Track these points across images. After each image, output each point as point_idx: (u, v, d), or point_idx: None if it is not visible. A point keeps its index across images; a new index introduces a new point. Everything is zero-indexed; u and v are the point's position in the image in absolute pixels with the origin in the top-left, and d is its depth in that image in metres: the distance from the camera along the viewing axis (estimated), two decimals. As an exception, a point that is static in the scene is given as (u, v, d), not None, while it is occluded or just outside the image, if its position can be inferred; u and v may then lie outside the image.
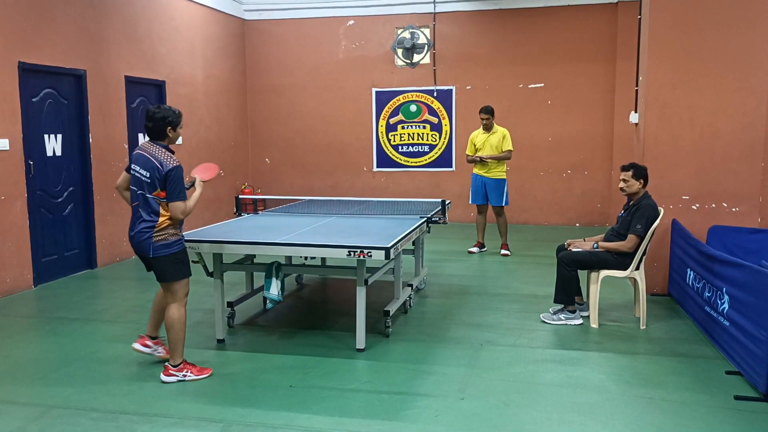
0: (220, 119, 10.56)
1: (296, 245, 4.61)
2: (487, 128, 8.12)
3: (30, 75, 6.70)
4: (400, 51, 10.75)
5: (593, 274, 5.29)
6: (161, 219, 4.05)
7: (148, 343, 4.49)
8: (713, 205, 5.93)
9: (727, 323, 4.42)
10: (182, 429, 3.54)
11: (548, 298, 5.87)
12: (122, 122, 8.09)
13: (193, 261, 4.80)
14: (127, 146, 8.15)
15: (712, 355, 4.59)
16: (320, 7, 11.06)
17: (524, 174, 10.59)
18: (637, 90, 6.64)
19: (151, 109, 4.13)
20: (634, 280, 5.33)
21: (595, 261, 5.26)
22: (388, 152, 11.20)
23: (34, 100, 6.79)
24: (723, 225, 5.82)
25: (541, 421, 3.59)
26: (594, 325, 5.27)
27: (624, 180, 5.25)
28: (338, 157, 11.37)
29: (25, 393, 4.05)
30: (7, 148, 6.38)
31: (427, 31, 10.74)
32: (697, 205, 5.95)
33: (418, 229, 5.44)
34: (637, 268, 5.21)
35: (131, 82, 8.28)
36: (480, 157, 8.07)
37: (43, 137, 6.93)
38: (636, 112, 6.58)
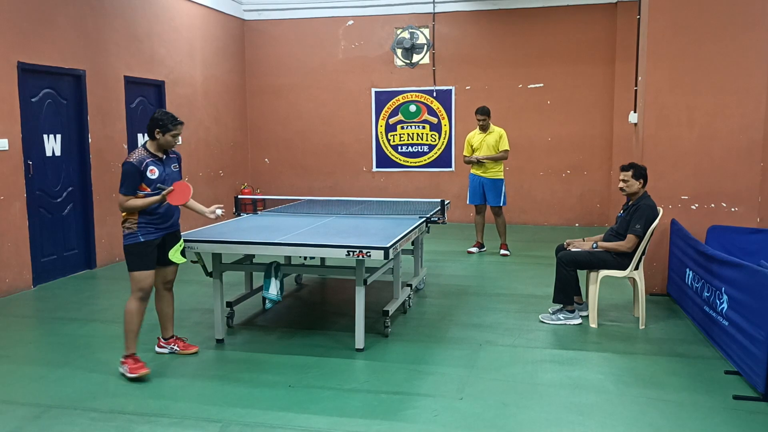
0: (219, 119, 10.56)
1: (295, 245, 4.61)
2: (484, 129, 8.14)
3: (29, 75, 6.70)
4: (399, 51, 10.75)
5: (592, 274, 5.30)
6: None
7: (162, 343, 4.65)
8: (712, 206, 5.93)
9: (725, 323, 4.42)
10: (181, 429, 3.54)
11: (547, 299, 5.87)
12: (121, 123, 8.09)
13: (192, 261, 4.82)
14: (126, 146, 8.15)
15: (711, 355, 4.59)
16: (319, 7, 11.06)
17: (523, 174, 10.60)
18: (636, 90, 6.65)
19: (156, 110, 4.40)
20: (633, 280, 5.33)
21: (594, 261, 5.26)
22: (387, 152, 11.20)
23: (33, 100, 6.79)
24: (722, 225, 5.82)
25: (540, 421, 3.60)
26: (593, 325, 5.27)
27: (624, 180, 5.25)
28: (337, 157, 11.37)
29: (23, 393, 4.05)
30: (6, 148, 6.38)
31: (426, 32, 10.74)
32: (696, 206, 5.96)
33: (417, 229, 5.44)
34: (636, 268, 5.22)
35: (130, 83, 8.28)
36: (477, 158, 8.08)
37: (43, 137, 6.93)
38: (635, 112, 6.59)
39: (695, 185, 5.95)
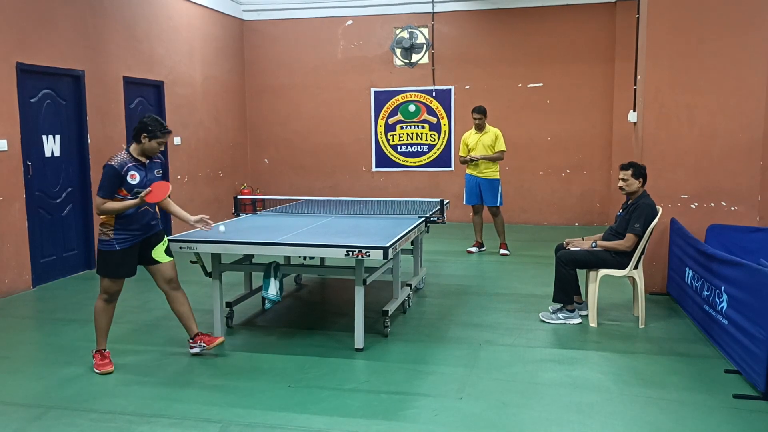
0: (218, 120, 10.56)
1: (295, 245, 4.61)
2: (480, 128, 8.11)
3: (28, 76, 6.70)
4: (398, 51, 10.74)
5: (592, 274, 5.30)
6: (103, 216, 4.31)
7: (191, 344, 4.65)
8: (712, 204, 5.93)
9: (725, 322, 4.42)
10: (181, 429, 3.54)
11: (547, 298, 5.86)
12: (121, 123, 8.09)
13: (191, 261, 4.81)
14: (125, 147, 8.13)
15: (711, 354, 4.59)
16: (318, 7, 11.06)
17: (523, 174, 10.60)
18: (635, 89, 6.64)
19: (146, 115, 4.39)
20: (633, 280, 5.33)
21: (593, 260, 5.26)
22: (386, 152, 11.20)
23: (32, 100, 6.78)
24: (721, 224, 5.82)
25: (540, 421, 3.59)
26: (593, 324, 5.27)
27: (623, 179, 5.25)
28: (337, 157, 11.37)
29: (23, 394, 4.05)
30: (6, 149, 6.38)
31: (425, 31, 10.74)
32: (696, 204, 5.96)
33: (416, 229, 5.44)
34: (636, 267, 5.21)
35: (130, 83, 8.28)
36: (473, 158, 8.04)
37: (42, 138, 6.92)
38: (634, 111, 6.58)
39: (695, 184, 5.94)
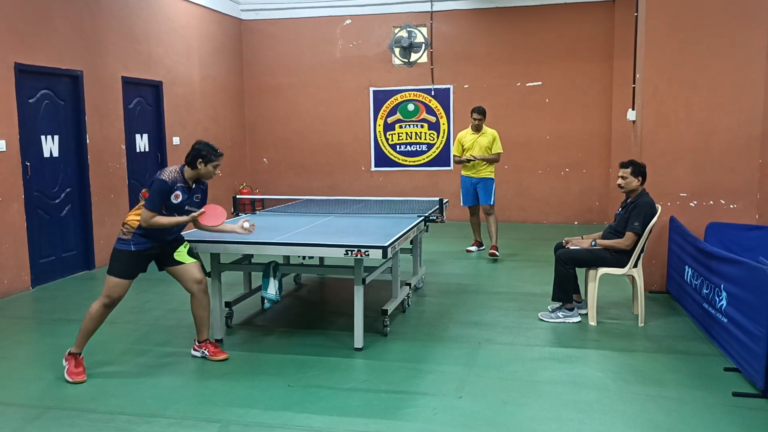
0: (217, 120, 10.55)
1: (294, 245, 4.61)
2: (477, 129, 7.97)
3: (26, 76, 6.69)
4: (397, 50, 10.74)
5: (591, 272, 5.30)
6: (131, 213, 4.30)
7: (196, 346, 4.63)
8: (711, 202, 5.93)
9: (725, 320, 4.42)
10: (180, 429, 3.54)
11: (546, 297, 5.86)
12: (119, 123, 8.08)
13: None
14: (124, 147, 8.14)
15: (711, 352, 4.59)
16: (317, 6, 11.05)
17: (522, 172, 10.59)
18: (634, 87, 6.64)
19: (197, 142, 4.41)
20: (632, 278, 5.32)
21: (593, 259, 5.25)
22: (386, 151, 11.19)
23: (30, 101, 6.77)
24: (720, 222, 5.82)
25: (540, 419, 3.59)
26: (592, 322, 5.27)
27: (622, 177, 5.25)
28: (336, 156, 11.37)
29: (22, 394, 4.04)
30: (4, 149, 6.37)
31: (424, 30, 10.73)
32: (695, 202, 5.96)
33: (415, 228, 5.44)
34: (635, 266, 5.21)
35: (128, 83, 8.27)
36: (469, 159, 7.90)
37: (40, 138, 6.92)
38: (633, 109, 6.58)
39: (694, 182, 5.94)
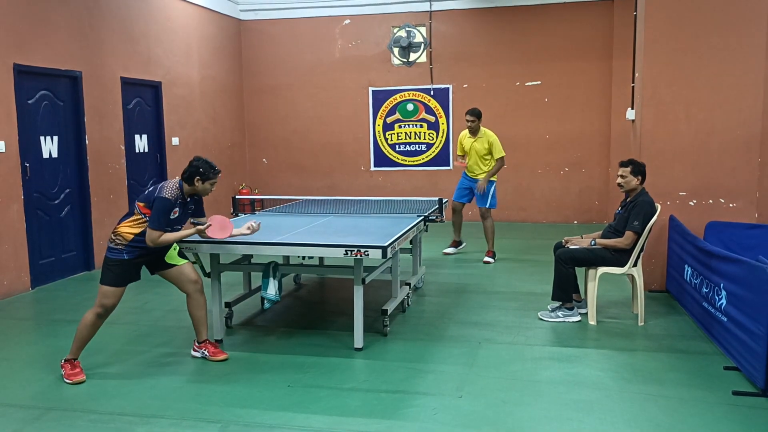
0: (216, 120, 10.55)
1: (293, 245, 4.61)
2: (473, 132, 7.71)
3: (25, 77, 6.69)
4: (396, 50, 10.74)
5: (591, 271, 5.30)
6: (124, 225, 4.25)
7: (195, 347, 4.63)
8: (710, 201, 5.93)
9: (724, 319, 4.42)
10: (180, 429, 3.54)
11: (546, 296, 5.86)
12: (118, 124, 8.08)
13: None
14: (123, 147, 8.14)
15: (710, 351, 4.59)
16: (316, 6, 11.04)
17: (522, 172, 10.59)
18: (633, 87, 6.64)
19: (195, 158, 4.36)
20: (632, 277, 5.33)
21: (592, 258, 5.25)
22: (385, 151, 11.19)
23: (29, 102, 6.77)
24: (720, 221, 5.82)
25: (540, 419, 3.59)
26: (592, 322, 5.27)
27: (622, 176, 5.25)
28: (335, 156, 11.36)
29: (22, 395, 4.04)
30: (3, 150, 6.37)
31: (423, 30, 10.73)
32: (694, 201, 5.96)
33: (415, 228, 5.44)
34: (635, 265, 5.21)
35: (127, 84, 8.27)
36: (479, 186, 7.62)
37: (39, 139, 6.91)
38: (632, 108, 6.58)
39: (693, 181, 5.94)
